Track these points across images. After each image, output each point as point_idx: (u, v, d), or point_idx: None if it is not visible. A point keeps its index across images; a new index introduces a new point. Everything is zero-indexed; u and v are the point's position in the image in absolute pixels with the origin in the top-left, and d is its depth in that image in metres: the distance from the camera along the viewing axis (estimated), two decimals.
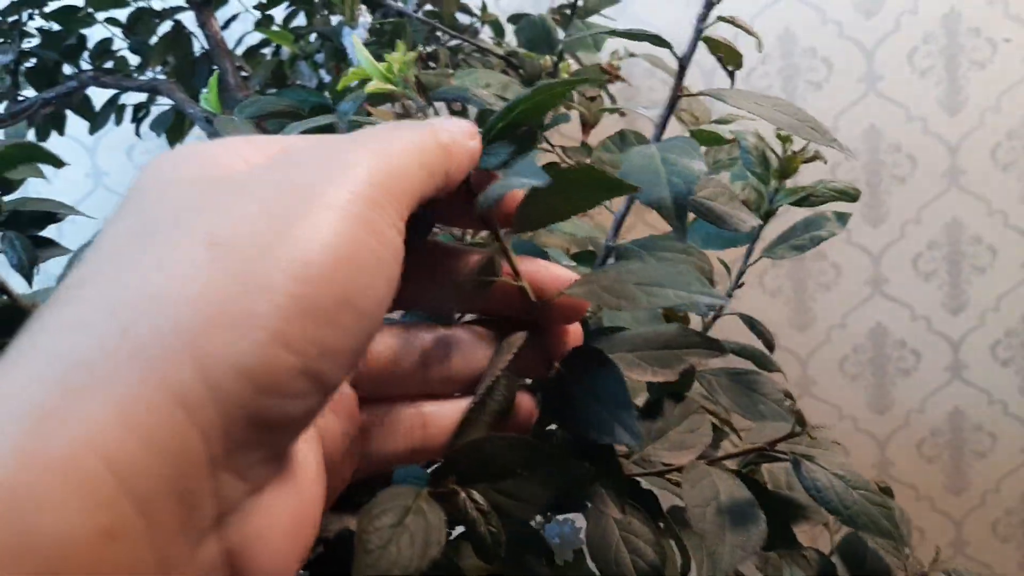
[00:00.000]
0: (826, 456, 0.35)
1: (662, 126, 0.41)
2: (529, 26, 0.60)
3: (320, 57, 0.65)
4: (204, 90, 0.77)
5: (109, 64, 0.78)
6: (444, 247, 0.30)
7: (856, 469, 0.50)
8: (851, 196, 0.46)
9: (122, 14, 0.76)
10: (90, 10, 0.72)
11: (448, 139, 0.26)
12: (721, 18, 0.38)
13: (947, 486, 1.17)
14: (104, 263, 0.21)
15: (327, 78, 0.69)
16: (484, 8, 0.80)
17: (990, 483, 1.16)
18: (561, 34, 0.61)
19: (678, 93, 0.40)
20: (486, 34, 0.82)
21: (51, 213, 0.50)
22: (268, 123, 0.54)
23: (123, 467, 0.18)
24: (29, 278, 0.46)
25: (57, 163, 0.33)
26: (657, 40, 0.38)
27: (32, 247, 0.47)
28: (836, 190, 0.45)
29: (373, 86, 0.27)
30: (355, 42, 0.27)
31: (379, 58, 0.31)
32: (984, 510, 1.17)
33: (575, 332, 0.32)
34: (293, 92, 0.60)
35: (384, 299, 0.23)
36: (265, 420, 0.21)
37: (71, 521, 0.17)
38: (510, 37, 0.81)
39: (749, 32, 0.37)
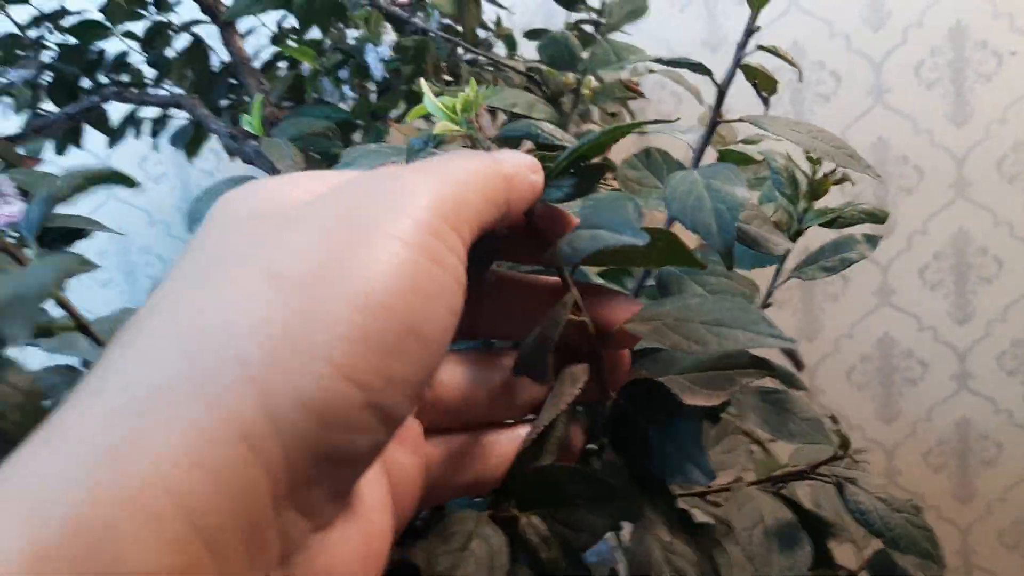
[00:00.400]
0: (866, 478, 0.36)
1: (700, 151, 0.41)
2: (552, 43, 0.60)
3: (343, 73, 0.66)
4: (224, 102, 0.77)
5: (125, 77, 0.78)
6: (507, 276, 0.30)
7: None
8: (879, 218, 0.47)
9: (139, 27, 0.76)
10: (108, 23, 0.72)
11: (511, 170, 0.27)
12: (762, 47, 0.39)
13: (954, 495, 1.18)
14: (170, 297, 0.22)
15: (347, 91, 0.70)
16: (499, 22, 0.81)
17: (997, 492, 1.18)
18: (583, 51, 0.61)
19: (716, 119, 0.41)
20: (500, 48, 0.83)
21: (80, 229, 0.50)
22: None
23: (191, 504, 0.18)
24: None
25: (131, 183, 0.33)
26: (699, 68, 0.39)
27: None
28: (865, 212, 0.46)
29: (440, 127, 0.27)
30: (423, 85, 0.27)
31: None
32: (991, 519, 1.18)
33: (626, 357, 0.32)
34: (319, 109, 0.60)
35: (448, 328, 0.23)
36: (330, 455, 0.20)
37: (148, 560, 0.17)
38: (523, 49, 0.82)
39: (791, 63, 0.38)
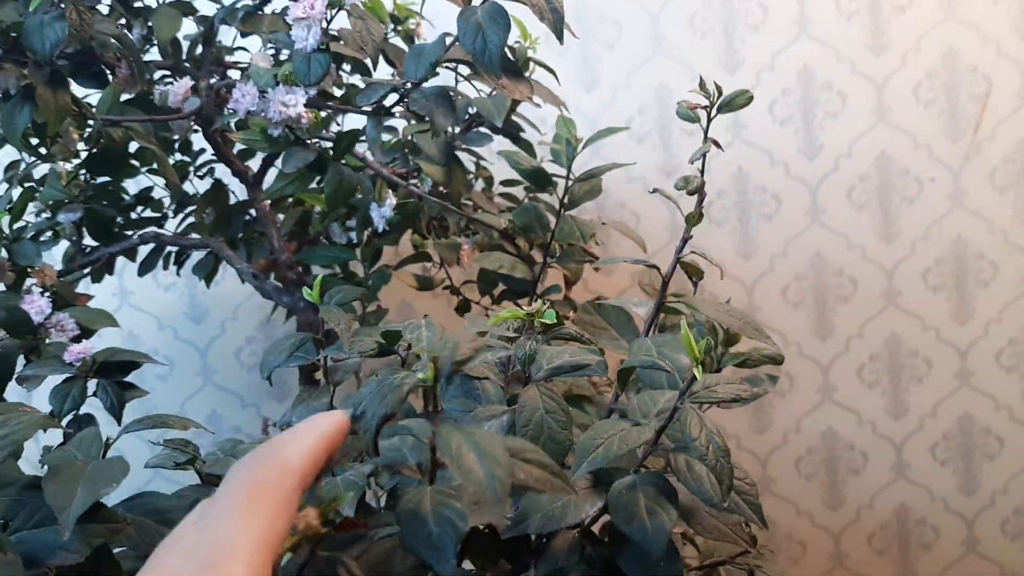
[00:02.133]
0: (771, 566, 0.47)
1: (652, 321, 0.53)
2: (524, 212, 0.74)
3: (351, 223, 0.78)
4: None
5: (148, 212, 0.90)
6: None
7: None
8: (777, 360, 0.57)
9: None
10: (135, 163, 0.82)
11: (301, 463, 0.35)
12: (684, 264, 0.51)
13: (960, 487, 1.28)
14: None
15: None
16: (477, 167, 0.91)
17: (999, 484, 1.28)
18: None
19: (663, 300, 0.52)
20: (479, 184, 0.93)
21: (134, 361, 0.61)
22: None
23: None
24: (119, 418, 0.58)
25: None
26: (650, 265, 0.51)
27: (120, 391, 0.58)
28: (767, 356, 0.56)
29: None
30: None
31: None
32: (993, 510, 1.29)
33: None
34: (331, 250, 0.73)
35: None
36: None
37: None
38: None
39: (714, 264, 0.49)
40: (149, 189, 0.92)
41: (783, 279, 1.24)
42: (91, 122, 0.63)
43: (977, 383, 1.25)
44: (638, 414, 0.45)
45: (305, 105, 0.59)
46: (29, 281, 0.70)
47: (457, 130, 0.76)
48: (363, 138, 0.70)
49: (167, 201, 0.92)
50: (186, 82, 0.66)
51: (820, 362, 1.26)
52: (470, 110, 0.74)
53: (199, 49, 0.75)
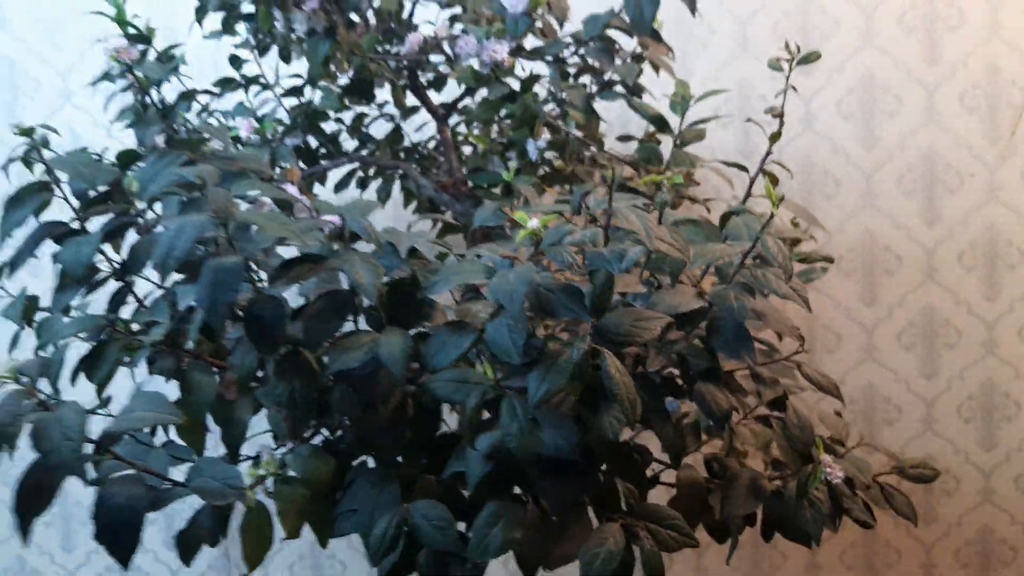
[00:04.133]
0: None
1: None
2: (645, 148, 1.03)
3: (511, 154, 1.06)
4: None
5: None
6: None
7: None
8: (829, 260, 0.83)
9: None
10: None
11: None
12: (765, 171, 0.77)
13: (980, 443, 1.52)
14: None
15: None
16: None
17: (1015, 443, 1.51)
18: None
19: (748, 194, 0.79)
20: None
21: None
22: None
23: None
24: None
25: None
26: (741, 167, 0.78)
27: None
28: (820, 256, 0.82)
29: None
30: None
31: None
32: (1009, 465, 1.52)
33: None
34: (491, 175, 1.02)
35: None
36: None
37: None
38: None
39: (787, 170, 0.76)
40: (338, 133, 1.22)
41: (837, 252, 1.49)
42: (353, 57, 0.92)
43: (1001, 353, 1.49)
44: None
45: (507, 53, 0.88)
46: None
47: (595, 88, 1.04)
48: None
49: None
50: (419, 35, 0.95)
51: (865, 325, 1.51)
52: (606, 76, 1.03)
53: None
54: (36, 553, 1.61)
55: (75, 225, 0.75)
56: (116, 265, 0.77)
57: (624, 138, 1.17)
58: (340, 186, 1.21)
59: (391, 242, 0.67)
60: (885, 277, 1.50)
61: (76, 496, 1.57)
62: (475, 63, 0.91)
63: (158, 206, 0.77)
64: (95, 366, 0.70)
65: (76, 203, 0.76)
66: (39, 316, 0.90)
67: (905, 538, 1.55)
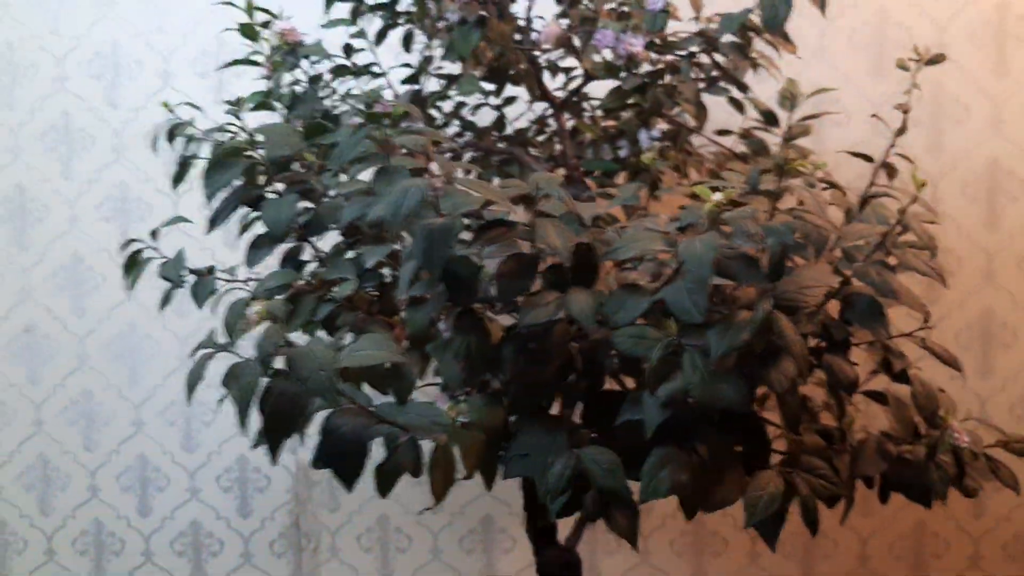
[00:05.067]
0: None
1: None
2: (753, 142, 1.13)
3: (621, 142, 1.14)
4: None
5: None
6: None
7: None
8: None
9: None
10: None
11: None
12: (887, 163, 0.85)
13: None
14: None
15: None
16: None
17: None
18: None
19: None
20: None
21: None
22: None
23: None
24: None
25: None
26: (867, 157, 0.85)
27: None
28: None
29: None
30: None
31: None
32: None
33: None
34: (602, 163, 1.10)
35: None
36: None
37: None
38: None
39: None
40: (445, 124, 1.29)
41: (965, 176, 1.54)
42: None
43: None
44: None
45: (642, 47, 0.96)
46: None
47: (703, 83, 1.12)
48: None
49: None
50: (555, 27, 1.03)
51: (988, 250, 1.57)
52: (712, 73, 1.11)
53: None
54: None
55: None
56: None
57: (722, 132, 1.24)
58: None
59: (577, 213, 0.74)
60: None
61: None
62: (609, 55, 0.98)
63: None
64: (292, 316, 0.77)
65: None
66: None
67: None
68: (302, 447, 1.65)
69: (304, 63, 1.13)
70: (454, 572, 1.69)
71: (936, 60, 0.86)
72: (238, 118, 0.80)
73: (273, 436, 0.63)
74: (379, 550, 1.70)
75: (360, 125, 0.76)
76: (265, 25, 1.17)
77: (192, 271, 1.01)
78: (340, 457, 0.65)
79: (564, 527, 1.16)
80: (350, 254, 0.83)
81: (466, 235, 0.76)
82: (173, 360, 1.67)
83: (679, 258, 0.68)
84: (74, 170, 1.66)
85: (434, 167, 0.74)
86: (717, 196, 0.68)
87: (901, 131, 0.87)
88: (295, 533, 1.71)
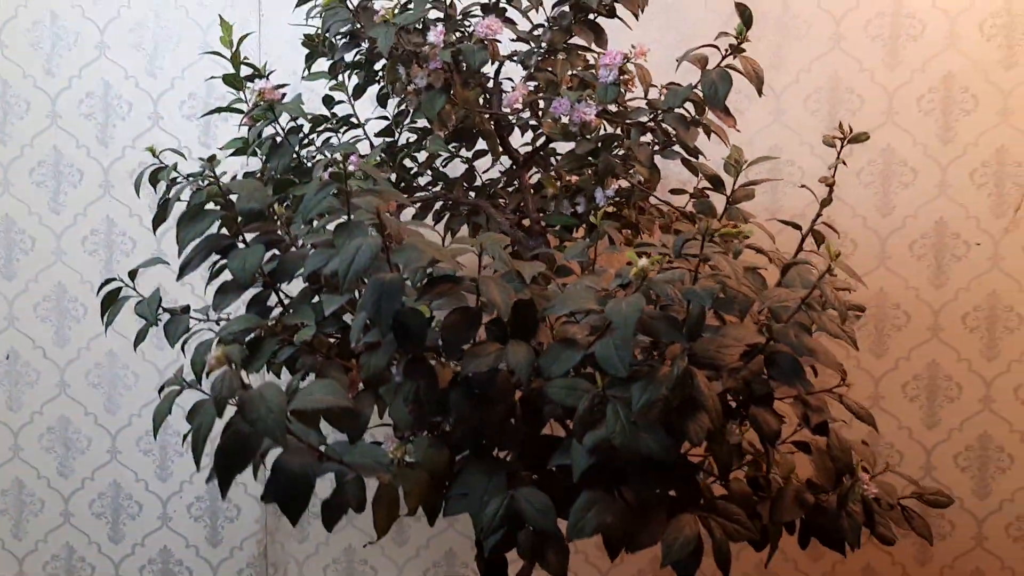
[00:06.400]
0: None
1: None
2: (702, 203, 1.20)
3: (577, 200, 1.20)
4: None
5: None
6: None
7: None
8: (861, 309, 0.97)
9: None
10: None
11: None
12: (814, 231, 0.93)
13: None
14: None
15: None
16: None
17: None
18: None
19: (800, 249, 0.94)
20: None
21: None
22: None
23: None
24: None
25: None
26: (795, 225, 0.92)
27: None
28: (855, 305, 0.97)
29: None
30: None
31: None
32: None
33: None
34: (561, 217, 1.18)
35: None
36: None
37: None
38: None
39: (837, 234, 0.91)
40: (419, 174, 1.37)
41: (911, 236, 1.63)
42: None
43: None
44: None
45: (595, 115, 1.03)
46: None
47: (657, 147, 1.19)
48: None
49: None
50: (519, 92, 1.10)
51: (933, 306, 1.64)
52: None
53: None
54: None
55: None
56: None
57: (676, 191, 1.32)
58: (415, 218, 1.35)
59: (518, 270, 0.81)
60: (954, 263, 1.62)
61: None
62: (565, 120, 1.05)
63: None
64: (253, 358, 0.83)
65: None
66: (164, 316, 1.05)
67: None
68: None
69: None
70: None
71: (859, 138, 0.93)
72: (213, 172, 0.86)
73: (223, 472, 0.68)
74: None
75: (326, 183, 0.82)
76: (249, 79, 1.24)
77: (167, 310, 1.07)
78: (287, 493, 0.71)
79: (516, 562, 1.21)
80: (314, 300, 0.89)
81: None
82: (150, 391, 1.73)
83: (607, 317, 0.74)
84: (62, 204, 1.72)
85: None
86: (643, 262, 0.74)
87: (826, 202, 0.94)
88: (263, 562, 1.75)
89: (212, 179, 0.85)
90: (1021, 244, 1.60)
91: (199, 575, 1.76)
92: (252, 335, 0.86)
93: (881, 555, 1.70)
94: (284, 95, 1.13)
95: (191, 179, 0.95)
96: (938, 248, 1.63)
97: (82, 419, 1.75)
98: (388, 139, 1.34)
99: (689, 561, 0.76)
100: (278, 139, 1.14)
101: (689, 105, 1.13)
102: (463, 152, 1.38)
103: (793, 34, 1.62)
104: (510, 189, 1.39)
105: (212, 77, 1.29)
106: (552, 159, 1.30)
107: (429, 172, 1.38)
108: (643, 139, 1.19)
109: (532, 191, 1.26)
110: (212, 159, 0.86)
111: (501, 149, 1.20)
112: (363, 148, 1.35)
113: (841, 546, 0.87)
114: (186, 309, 1.06)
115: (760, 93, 0.98)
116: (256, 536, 1.75)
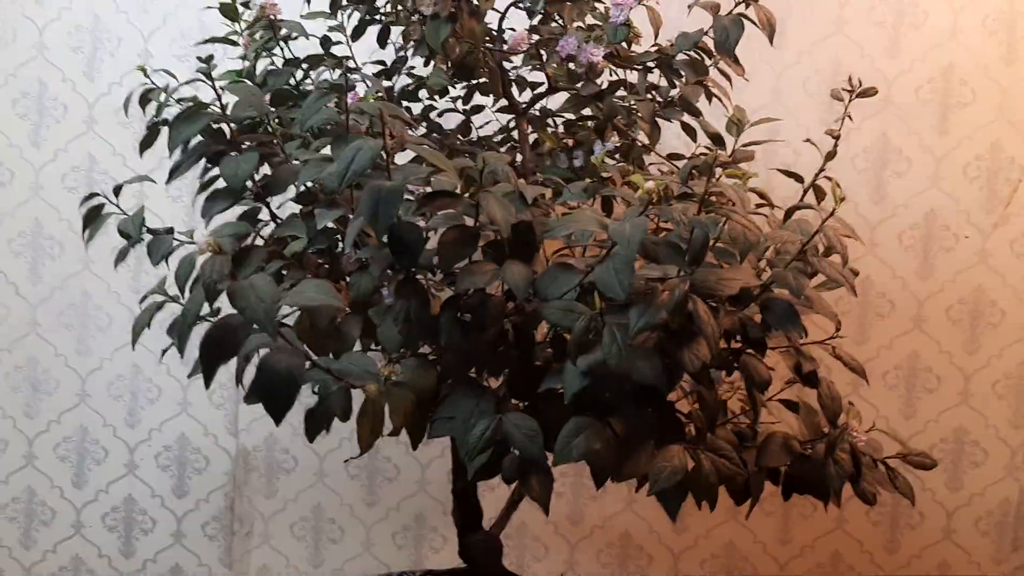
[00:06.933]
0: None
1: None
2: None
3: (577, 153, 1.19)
4: None
5: None
6: None
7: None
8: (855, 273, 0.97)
9: None
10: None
11: None
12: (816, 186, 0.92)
13: (1010, 421, 1.66)
14: None
15: None
16: None
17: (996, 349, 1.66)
18: None
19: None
20: None
21: None
22: None
23: None
24: None
25: None
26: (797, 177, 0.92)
27: None
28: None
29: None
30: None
31: None
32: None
33: None
34: (558, 170, 1.16)
35: None
36: None
37: None
38: None
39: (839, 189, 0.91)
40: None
41: (901, 225, 1.63)
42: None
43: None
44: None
45: (602, 57, 1.02)
46: None
47: (659, 102, 1.18)
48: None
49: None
50: (523, 33, 1.09)
51: (918, 297, 1.64)
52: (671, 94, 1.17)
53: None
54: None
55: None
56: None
57: (673, 156, 1.31)
58: None
59: (520, 190, 0.79)
60: (943, 254, 1.63)
61: None
62: (571, 63, 1.04)
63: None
64: (241, 267, 0.81)
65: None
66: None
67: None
68: (246, 430, 1.68)
69: (279, 50, 1.18)
70: (383, 566, 1.70)
71: (868, 93, 0.93)
72: (209, 77, 0.84)
73: (207, 362, 0.66)
74: (311, 539, 1.72)
75: (325, 91, 0.80)
76: (246, 4, 1.22)
77: (150, 230, 1.04)
78: (272, 392, 0.69)
79: (490, 513, 1.19)
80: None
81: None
82: (124, 334, 1.68)
83: (610, 238, 0.72)
84: (43, 138, 1.68)
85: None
86: (649, 184, 0.73)
87: (831, 155, 0.94)
88: (229, 516, 1.72)
89: (208, 84, 0.83)
90: (1009, 239, 1.62)
91: (163, 525, 1.72)
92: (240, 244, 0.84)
93: (850, 542, 1.70)
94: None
95: (182, 102, 0.93)
96: (927, 239, 1.64)
97: (51, 360, 1.70)
98: (386, 82, 1.32)
99: (675, 492, 0.75)
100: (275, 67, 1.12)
101: None
102: (460, 103, 1.37)
103: (797, 14, 1.62)
104: (504, 146, 1.37)
105: (208, 7, 1.26)
106: (549, 120, 1.29)
107: (424, 125, 1.36)
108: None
109: (530, 147, 1.24)
110: (210, 59, 0.83)
111: (506, 96, 1.19)
112: (361, 92, 1.34)
113: (825, 496, 0.87)
114: (170, 230, 1.03)
115: (771, 41, 0.98)
116: (224, 489, 1.72)
